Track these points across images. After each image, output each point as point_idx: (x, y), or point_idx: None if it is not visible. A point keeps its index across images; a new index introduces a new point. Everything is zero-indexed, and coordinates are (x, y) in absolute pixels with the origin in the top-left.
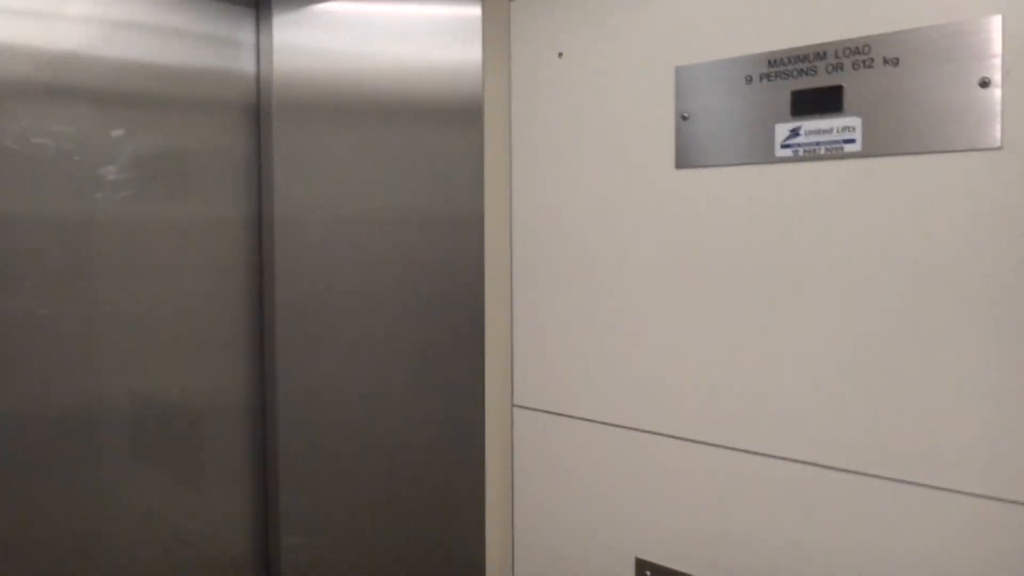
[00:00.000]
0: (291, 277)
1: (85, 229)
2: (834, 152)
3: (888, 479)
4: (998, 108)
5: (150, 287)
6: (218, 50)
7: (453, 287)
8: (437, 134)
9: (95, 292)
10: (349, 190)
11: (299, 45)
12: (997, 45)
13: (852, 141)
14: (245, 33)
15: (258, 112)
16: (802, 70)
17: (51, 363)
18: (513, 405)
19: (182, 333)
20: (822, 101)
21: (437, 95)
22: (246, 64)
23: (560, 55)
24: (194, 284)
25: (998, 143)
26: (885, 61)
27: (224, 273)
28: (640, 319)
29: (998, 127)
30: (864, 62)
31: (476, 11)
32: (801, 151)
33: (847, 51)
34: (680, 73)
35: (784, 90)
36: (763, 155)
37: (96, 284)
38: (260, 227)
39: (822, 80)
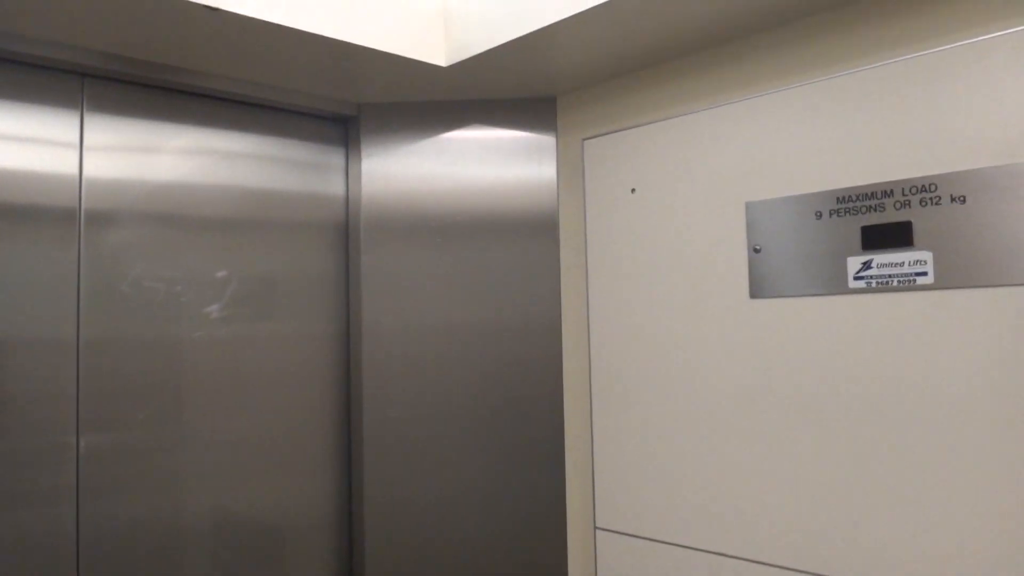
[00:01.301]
0: (378, 390)
1: (189, 359)
2: (907, 284)
3: None
4: None
5: (246, 407)
6: (311, 177)
7: (533, 401)
8: (515, 250)
9: (197, 414)
10: (432, 303)
11: (385, 169)
12: None
13: (924, 274)
14: (336, 159)
15: (347, 231)
16: (870, 207)
17: (155, 485)
18: (596, 528)
19: (275, 449)
20: (892, 236)
21: (515, 213)
22: (336, 187)
23: (633, 190)
24: (285, 399)
25: None
26: (952, 199)
27: (313, 386)
28: (719, 443)
29: None
30: (932, 199)
31: (551, 142)
32: (874, 283)
33: (914, 189)
34: (751, 208)
35: (854, 225)
36: (836, 286)
37: (197, 407)
38: (348, 341)
39: (891, 216)
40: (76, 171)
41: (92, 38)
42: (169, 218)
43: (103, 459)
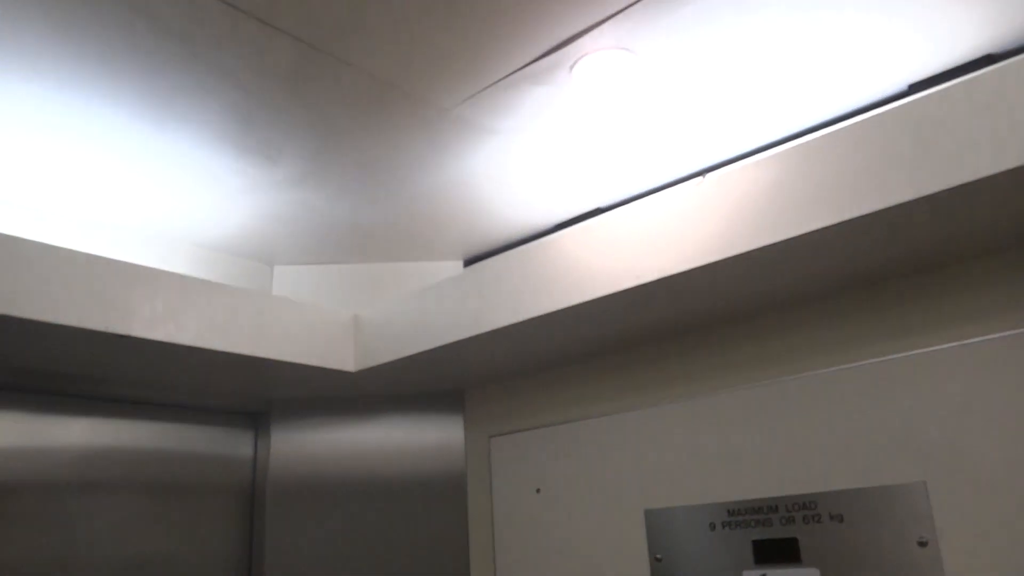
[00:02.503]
0: None
1: None
2: None
3: None
4: (940, 567)
5: None
6: (216, 462)
7: None
8: (423, 532)
9: None
10: (339, 567)
11: (295, 456)
12: (927, 507)
13: None
14: (244, 446)
15: (252, 495)
16: (759, 520)
17: None
18: None
19: None
20: (781, 552)
21: (423, 494)
22: (243, 472)
23: (538, 490)
24: None
25: None
26: (831, 516)
27: None
28: None
29: None
30: (813, 516)
31: (459, 432)
32: None
33: (796, 506)
34: (649, 515)
35: (746, 538)
36: None
37: None
38: None
39: (778, 531)
40: None
41: None
42: (58, 514)
43: None
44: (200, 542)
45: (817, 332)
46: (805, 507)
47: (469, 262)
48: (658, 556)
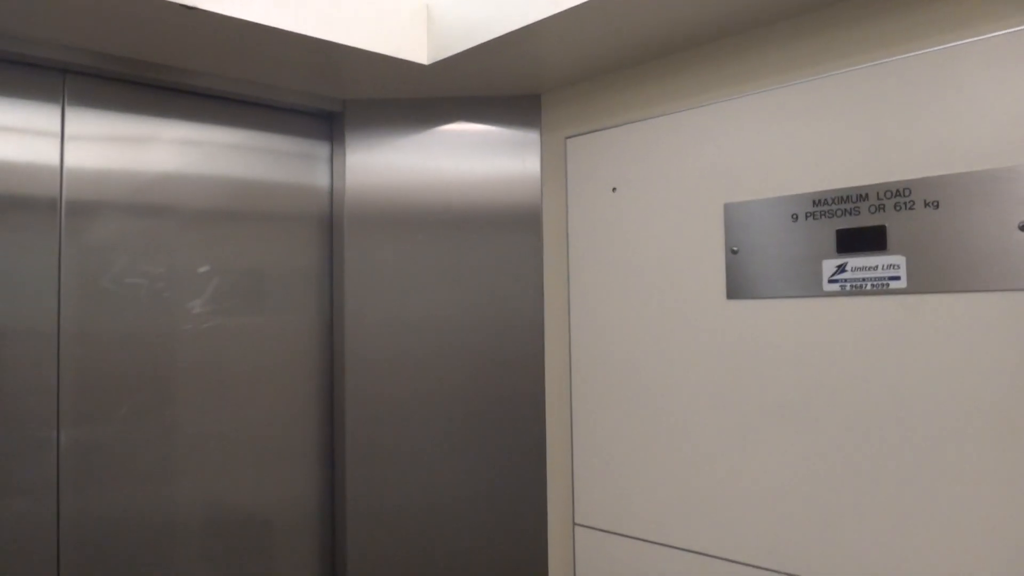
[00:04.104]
0: (360, 384)
1: (172, 353)
2: (880, 288)
3: None
4: None
5: (228, 401)
6: (296, 170)
7: (515, 395)
8: (498, 244)
9: (179, 408)
10: (416, 297)
11: (370, 163)
12: None
13: (897, 278)
14: (321, 152)
15: (331, 224)
16: (846, 210)
17: (136, 479)
18: (575, 523)
19: (257, 443)
20: (866, 240)
21: (498, 208)
22: (321, 180)
23: (614, 189)
24: (268, 394)
25: None
26: (926, 204)
27: (296, 380)
28: (694, 442)
29: None
30: (905, 204)
31: (535, 139)
32: (848, 286)
33: (888, 193)
34: (729, 209)
35: (829, 228)
36: (811, 289)
37: (179, 401)
38: (331, 334)
39: (865, 220)
40: (57, 162)
41: (72, 35)
42: (152, 209)
43: (83, 453)
44: (285, 257)
45: (916, 11)
46: (898, 194)
47: None
48: (734, 248)
